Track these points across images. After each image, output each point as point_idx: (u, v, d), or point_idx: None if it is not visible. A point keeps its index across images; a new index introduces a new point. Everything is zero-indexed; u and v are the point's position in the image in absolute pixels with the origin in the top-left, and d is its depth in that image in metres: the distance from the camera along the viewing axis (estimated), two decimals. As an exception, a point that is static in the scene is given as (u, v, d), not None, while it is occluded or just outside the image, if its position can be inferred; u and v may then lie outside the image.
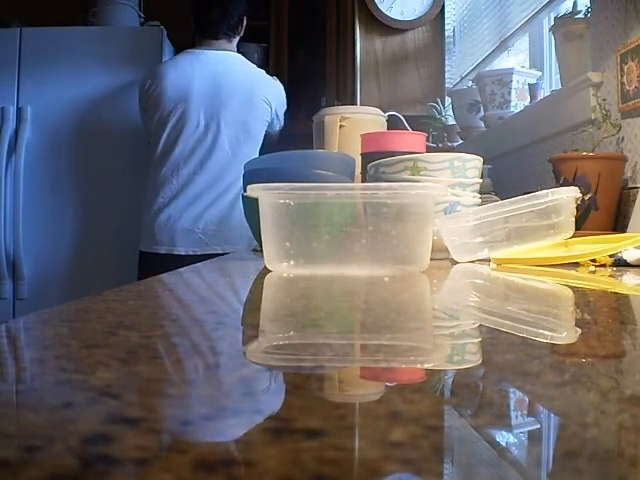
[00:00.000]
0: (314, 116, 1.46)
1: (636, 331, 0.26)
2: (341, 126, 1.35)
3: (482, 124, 1.91)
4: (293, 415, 0.14)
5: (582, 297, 0.43)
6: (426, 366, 0.20)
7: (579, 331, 0.26)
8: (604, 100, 1.03)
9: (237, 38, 1.91)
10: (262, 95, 1.76)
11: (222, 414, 0.13)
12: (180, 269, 0.65)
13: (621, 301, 0.40)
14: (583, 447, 0.12)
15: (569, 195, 0.72)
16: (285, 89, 2.27)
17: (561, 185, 0.94)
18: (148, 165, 2.43)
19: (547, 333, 0.27)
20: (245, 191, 0.96)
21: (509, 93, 1.73)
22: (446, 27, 2.63)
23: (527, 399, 0.16)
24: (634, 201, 0.95)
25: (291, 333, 0.26)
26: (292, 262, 0.60)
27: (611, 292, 0.46)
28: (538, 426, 0.14)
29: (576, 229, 0.72)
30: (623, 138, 1.00)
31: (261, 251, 1.04)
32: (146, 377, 0.18)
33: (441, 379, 0.18)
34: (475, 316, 0.34)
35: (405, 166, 0.94)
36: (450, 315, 0.34)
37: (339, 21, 2.88)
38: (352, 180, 0.96)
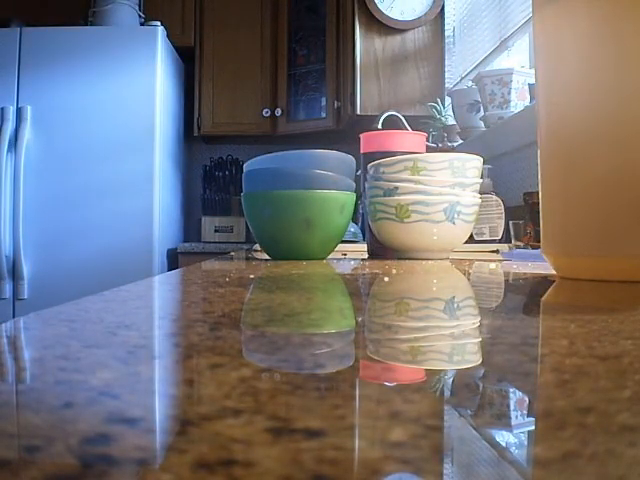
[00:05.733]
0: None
1: (638, 330, 0.26)
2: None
3: (482, 124, 1.91)
4: (293, 415, 0.14)
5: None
6: (426, 366, 0.20)
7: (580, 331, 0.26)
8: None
9: None
10: None
11: (222, 414, 0.14)
12: (180, 268, 0.65)
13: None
14: (583, 447, 0.12)
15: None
16: (285, 89, 2.26)
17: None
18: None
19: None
20: (245, 191, 0.96)
21: (509, 93, 1.73)
22: (446, 27, 2.63)
23: (527, 399, 0.16)
24: None
25: (290, 332, 0.26)
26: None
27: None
28: (538, 426, 0.14)
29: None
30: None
31: (261, 251, 1.04)
32: (146, 377, 0.18)
33: (441, 379, 0.18)
34: (475, 316, 0.34)
35: (405, 166, 0.94)
36: (450, 315, 0.34)
37: (339, 21, 2.88)
38: (352, 180, 0.96)
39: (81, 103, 2.52)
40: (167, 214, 2.75)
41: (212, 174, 3.29)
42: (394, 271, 0.67)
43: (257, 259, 0.99)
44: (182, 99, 3.11)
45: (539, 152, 0.54)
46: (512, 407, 0.16)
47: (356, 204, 0.99)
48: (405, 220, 0.94)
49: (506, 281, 0.59)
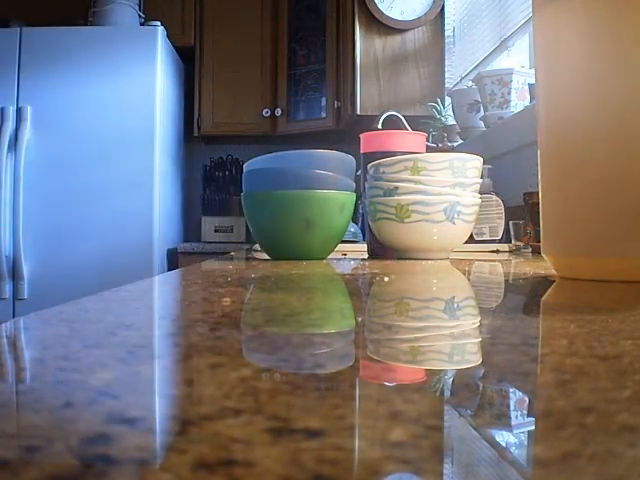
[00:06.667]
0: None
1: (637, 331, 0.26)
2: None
3: (482, 124, 1.91)
4: (293, 415, 0.14)
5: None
6: (426, 366, 0.20)
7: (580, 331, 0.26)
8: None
9: None
10: None
11: (222, 414, 0.14)
12: (179, 268, 0.65)
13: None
14: (583, 447, 0.12)
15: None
16: (285, 89, 2.24)
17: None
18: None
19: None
20: (245, 191, 0.96)
21: (509, 93, 1.73)
22: (446, 27, 2.63)
23: (527, 399, 0.16)
24: None
25: (290, 332, 0.26)
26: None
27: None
28: (538, 426, 0.14)
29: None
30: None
31: (261, 251, 1.04)
32: (146, 377, 0.18)
33: (441, 379, 0.18)
34: (475, 316, 0.34)
35: (405, 166, 0.94)
36: (450, 315, 0.34)
37: (339, 21, 2.88)
38: (352, 180, 0.96)
39: (81, 103, 2.52)
40: (167, 214, 2.75)
41: (212, 174, 3.29)
42: (394, 271, 0.67)
43: (257, 259, 0.99)
44: (182, 99, 3.11)
45: (539, 152, 0.54)
46: (512, 407, 0.16)
47: (356, 204, 0.99)
48: (405, 220, 0.94)
49: (506, 281, 0.59)
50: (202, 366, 0.20)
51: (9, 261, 2.47)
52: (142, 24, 2.77)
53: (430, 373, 0.19)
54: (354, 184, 0.96)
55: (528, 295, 0.47)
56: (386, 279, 0.56)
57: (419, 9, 2.55)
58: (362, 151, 1.16)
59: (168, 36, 2.74)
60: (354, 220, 2.00)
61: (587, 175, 0.48)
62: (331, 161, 0.93)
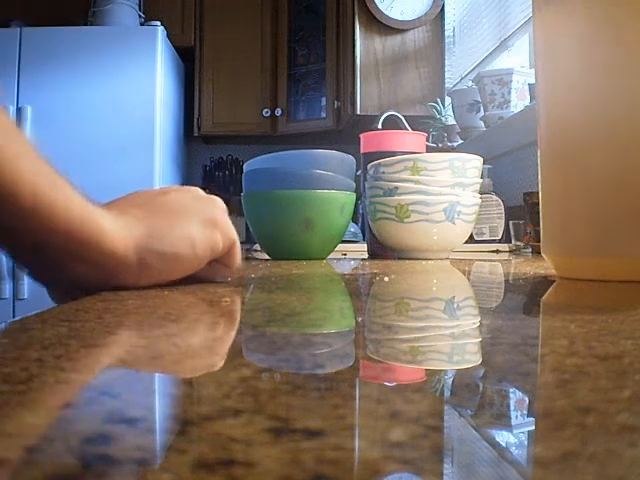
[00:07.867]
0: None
1: (637, 331, 0.26)
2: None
3: (482, 124, 1.91)
4: (293, 415, 0.14)
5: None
6: (426, 366, 0.20)
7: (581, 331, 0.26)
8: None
9: None
10: None
11: (222, 414, 0.14)
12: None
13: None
14: (583, 447, 0.12)
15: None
16: (285, 89, 2.23)
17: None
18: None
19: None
20: (245, 191, 0.96)
21: (509, 93, 1.73)
22: (446, 27, 2.63)
23: (527, 399, 0.16)
24: None
25: (290, 332, 0.26)
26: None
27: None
28: (538, 426, 0.14)
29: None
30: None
31: (261, 251, 1.04)
32: (146, 377, 0.18)
33: (441, 379, 0.18)
34: (475, 316, 0.34)
35: (405, 166, 0.94)
36: (450, 315, 0.34)
37: (339, 21, 2.88)
38: (352, 180, 0.96)
39: (81, 103, 2.52)
40: (167, 214, 2.75)
41: (212, 174, 3.29)
42: (394, 271, 0.67)
43: (257, 259, 0.99)
44: (182, 99, 3.11)
45: (539, 152, 0.54)
46: (512, 407, 0.16)
47: (356, 204, 0.99)
48: (405, 220, 0.94)
49: (506, 281, 0.59)
50: (202, 366, 0.20)
51: (9, 261, 2.47)
52: (142, 24, 2.77)
53: (430, 373, 0.19)
54: (354, 184, 0.96)
55: (528, 295, 0.47)
56: (386, 279, 0.56)
57: (419, 9, 2.55)
58: (362, 151, 1.16)
59: (168, 36, 2.74)
60: (354, 220, 2.00)
61: (587, 175, 0.48)
62: (331, 161, 0.93)
